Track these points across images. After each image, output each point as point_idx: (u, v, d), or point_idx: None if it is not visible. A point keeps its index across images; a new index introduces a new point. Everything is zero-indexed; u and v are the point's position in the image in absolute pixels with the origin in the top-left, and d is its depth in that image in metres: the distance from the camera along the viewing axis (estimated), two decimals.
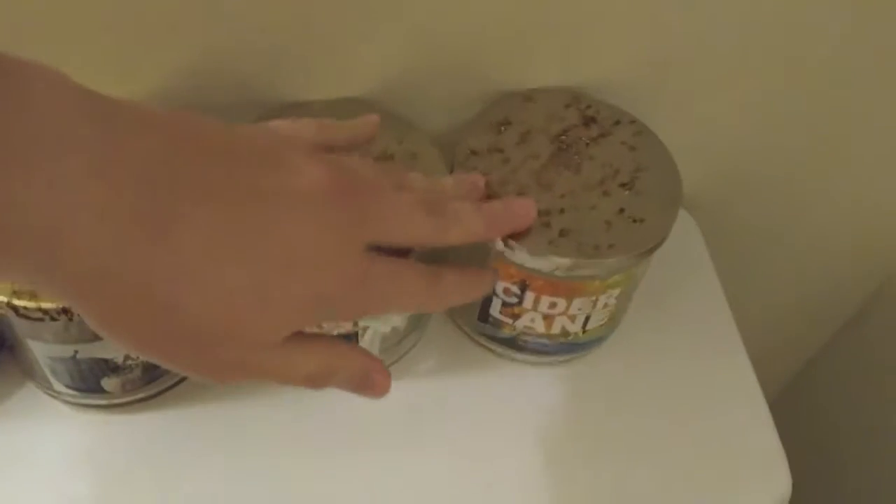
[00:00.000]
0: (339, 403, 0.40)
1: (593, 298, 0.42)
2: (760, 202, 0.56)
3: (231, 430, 0.43)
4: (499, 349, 0.46)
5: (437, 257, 0.42)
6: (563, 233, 0.40)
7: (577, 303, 0.42)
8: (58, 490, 0.41)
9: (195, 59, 0.42)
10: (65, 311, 0.35)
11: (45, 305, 0.35)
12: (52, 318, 0.36)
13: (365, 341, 0.43)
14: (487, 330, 0.45)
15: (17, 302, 0.35)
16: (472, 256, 0.42)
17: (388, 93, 0.44)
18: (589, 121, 0.44)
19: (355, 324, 0.41)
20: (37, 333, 0.37)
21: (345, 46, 0.43)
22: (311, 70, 0.43)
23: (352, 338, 0.42)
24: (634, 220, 0.41)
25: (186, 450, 0.43)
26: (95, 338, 0.38)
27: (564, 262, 0.39)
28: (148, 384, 0.42)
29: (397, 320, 0.43)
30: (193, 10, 0.39)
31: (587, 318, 0.43)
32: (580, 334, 0.44)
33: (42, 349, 0.38)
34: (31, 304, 0.35)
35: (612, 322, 0.45)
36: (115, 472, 0.42)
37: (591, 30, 0.44)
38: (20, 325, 0.37)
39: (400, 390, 0.45)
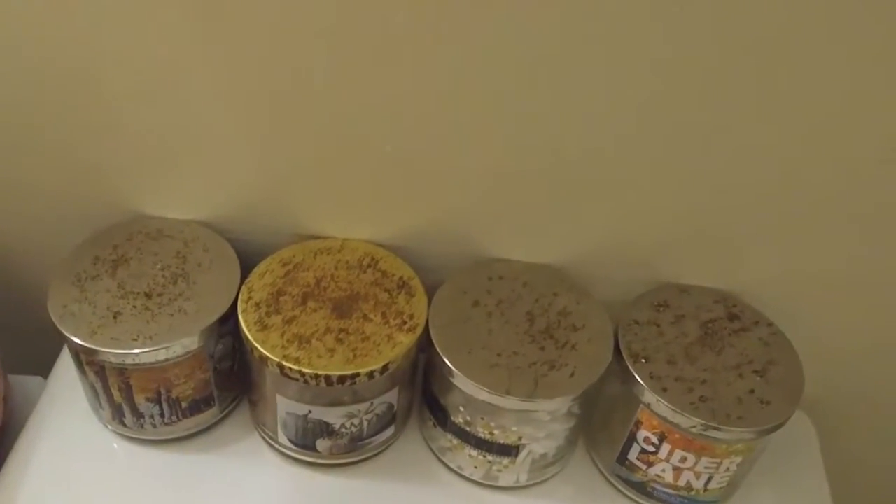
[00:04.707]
0: None
1: (718, 461, 0.50)
2: (876, 413, 0.63)
3: None
4: (627, 492, 0.54)
5: (587, 403, 0.51)
6: (702, 399, 0.49)
7: (704, 461, 0.50)
8: None
9: (431, 218, 0.55)
10: (317, 376, 0.47)
11: (305, 370, 0.47)
12: (305, 381, 0.47)
13: (520, 457, 0.52)
14: (622, 472, 0.54)
15: (285, 363, 0.47)
16: (621, 406, 0.51)
17: (574, 264, 0.56)
18: (733, 317, 0.54)
19: (519, 438, 0.51)
20: (284, 390, 0.49)
21: (544, 223, 0.55)
22: (518, 235, 0.56)
23: (511, 451, 0.52)
24: (762, 402, 0.49)
25: None
26: (328, 403, 0.49)
27: (700, 421, 0.48)
28: (351, 451, 0.52)
29: (551, 447, 0.52)
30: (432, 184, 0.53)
31: (710, 478, 0.51)
32: (701, 492, 0.52)
33: (284, 404, 0.50)
34: (294, 367, 0.47)
35: (730, 488, 0.53)
36: None
37: (743, 251, 0.54)
38: (276, 382, 0.49)
39: None
